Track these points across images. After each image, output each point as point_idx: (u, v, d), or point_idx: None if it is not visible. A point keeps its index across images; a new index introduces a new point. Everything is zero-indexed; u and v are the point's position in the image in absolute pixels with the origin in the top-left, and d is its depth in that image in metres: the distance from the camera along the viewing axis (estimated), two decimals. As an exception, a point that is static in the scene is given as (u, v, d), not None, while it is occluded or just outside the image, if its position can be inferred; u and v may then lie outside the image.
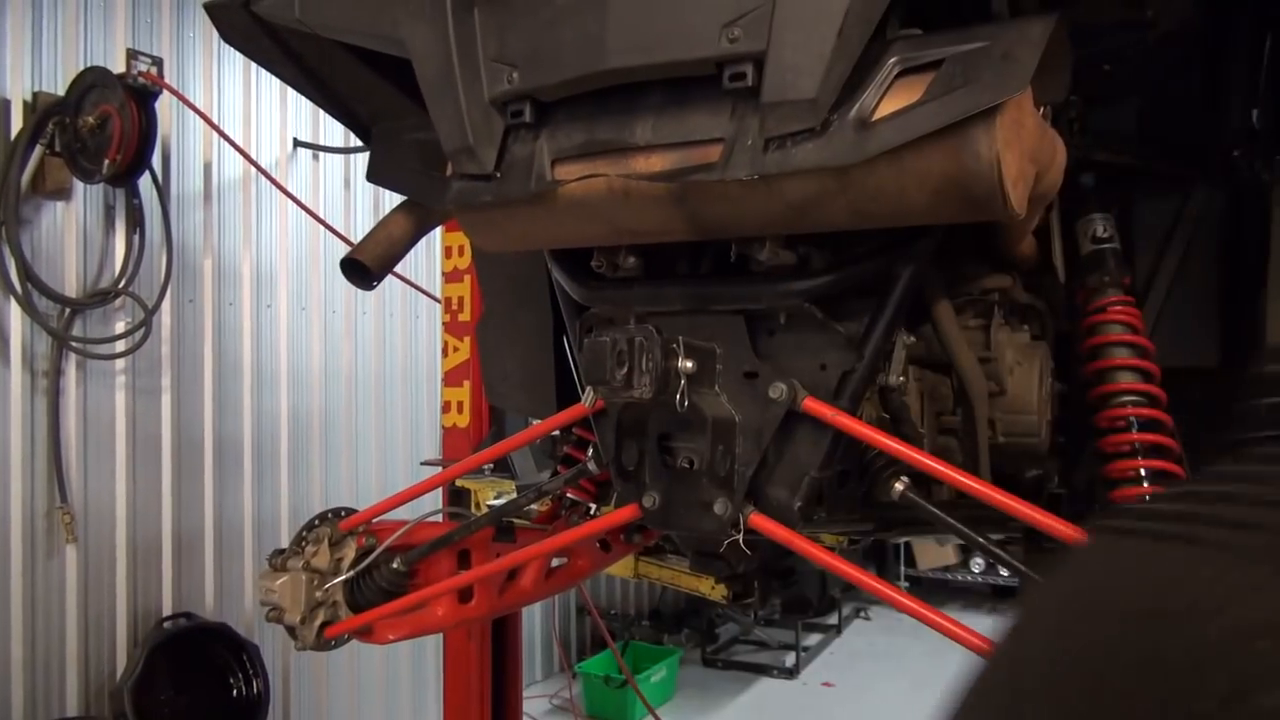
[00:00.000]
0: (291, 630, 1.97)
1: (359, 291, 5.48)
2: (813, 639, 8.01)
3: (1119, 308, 1.94)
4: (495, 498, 3.83)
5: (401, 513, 2.13)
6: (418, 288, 5.34)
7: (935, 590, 9.34)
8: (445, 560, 2.11)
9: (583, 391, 1.62)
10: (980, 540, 1.56)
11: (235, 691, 4.51)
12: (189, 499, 4.60)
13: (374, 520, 2.11)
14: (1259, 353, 1.69)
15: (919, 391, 1.87)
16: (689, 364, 1.41)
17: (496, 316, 2.62)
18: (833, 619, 8.34)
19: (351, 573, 1.99)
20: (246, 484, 4.87)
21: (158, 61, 3.95)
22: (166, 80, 4.22)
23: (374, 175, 1.65)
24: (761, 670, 7.37)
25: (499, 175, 1.48)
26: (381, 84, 1.75)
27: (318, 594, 1.96)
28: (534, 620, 6.96)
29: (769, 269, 1.50)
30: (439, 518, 2.29)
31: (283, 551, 2.01)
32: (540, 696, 6.62)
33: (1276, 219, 1.71)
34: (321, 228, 5.08)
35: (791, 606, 7.31)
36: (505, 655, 4.38)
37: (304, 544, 2.00)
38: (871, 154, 1.18)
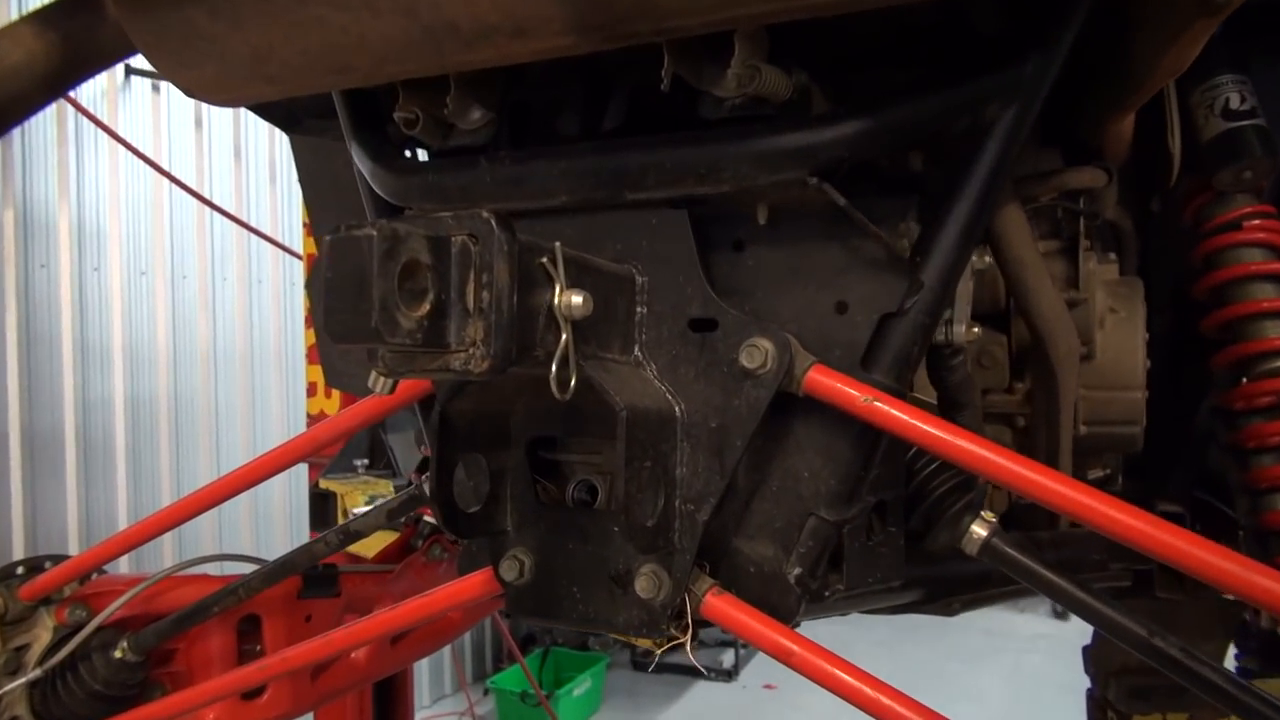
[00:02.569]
0: (-67, 771, 1.19)
1: (217, 255, 4.59)
2: (752, 634, 7.41)
3: (1258, 222, 1.27)
4: (367, 503, 3.03)
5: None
6: (282, 246, 4.48)
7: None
8: (218, 636, 1.34)
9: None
10: (1100, 607, 0.87)
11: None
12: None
13: (95, 577, 1.32)
14: None
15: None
16: (577, 299, 0.67)
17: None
18: (772, 610, 7.76)
19: (38, 671, 1.20)
20: (69, 483, 3.98)
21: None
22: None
23: None
24: (697, 673, 6.73)
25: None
26: None
27: (-25, 711, 1.18)
28: (443, 627, 6.19)
29: (733, 110, 0.77)
30: (233, 566, 1.52)
31: (-77, 638, 1.22)
32: (449, 714, 5.88)
33: None
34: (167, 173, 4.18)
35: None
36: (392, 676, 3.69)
37: (-41, 624, 1.21)
38: None
